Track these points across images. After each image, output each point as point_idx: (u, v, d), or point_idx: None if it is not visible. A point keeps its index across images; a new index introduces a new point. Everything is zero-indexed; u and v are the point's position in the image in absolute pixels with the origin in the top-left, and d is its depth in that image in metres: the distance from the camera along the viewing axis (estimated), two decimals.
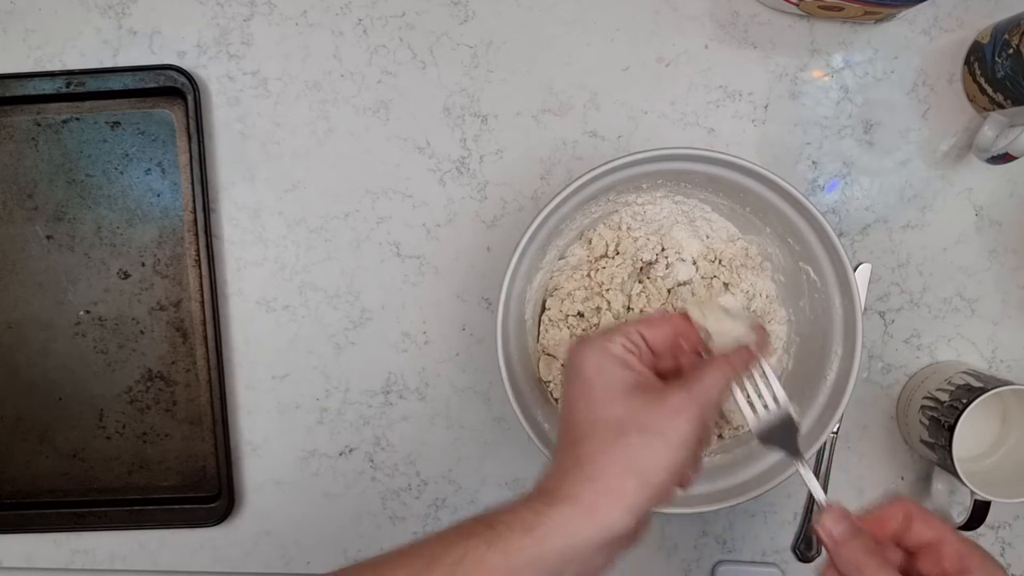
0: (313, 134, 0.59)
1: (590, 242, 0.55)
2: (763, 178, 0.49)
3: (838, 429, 0.59)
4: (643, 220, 0.54)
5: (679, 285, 0.55)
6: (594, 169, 0.48)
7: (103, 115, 0.59)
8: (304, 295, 0.60)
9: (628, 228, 0.55)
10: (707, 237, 0.55)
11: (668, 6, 0.58)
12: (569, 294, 0.54)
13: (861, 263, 0.58)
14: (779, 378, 0.55)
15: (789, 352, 0.55)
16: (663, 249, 0.55)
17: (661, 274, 0.55)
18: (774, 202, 0.50)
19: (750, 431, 0.54)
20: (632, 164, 0.48)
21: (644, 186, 0.52)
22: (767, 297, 0.55)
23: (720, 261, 0.55)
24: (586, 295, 0.54)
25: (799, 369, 0.54)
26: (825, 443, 0.58)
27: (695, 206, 0.54)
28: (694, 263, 0.55)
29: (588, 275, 0.55)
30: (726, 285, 0.55)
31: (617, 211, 0.54)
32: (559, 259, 0.55)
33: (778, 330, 0.55)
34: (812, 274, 0.51)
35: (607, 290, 0.54)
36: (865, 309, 0.59)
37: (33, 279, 0.60)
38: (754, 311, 0.55)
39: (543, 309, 0.55)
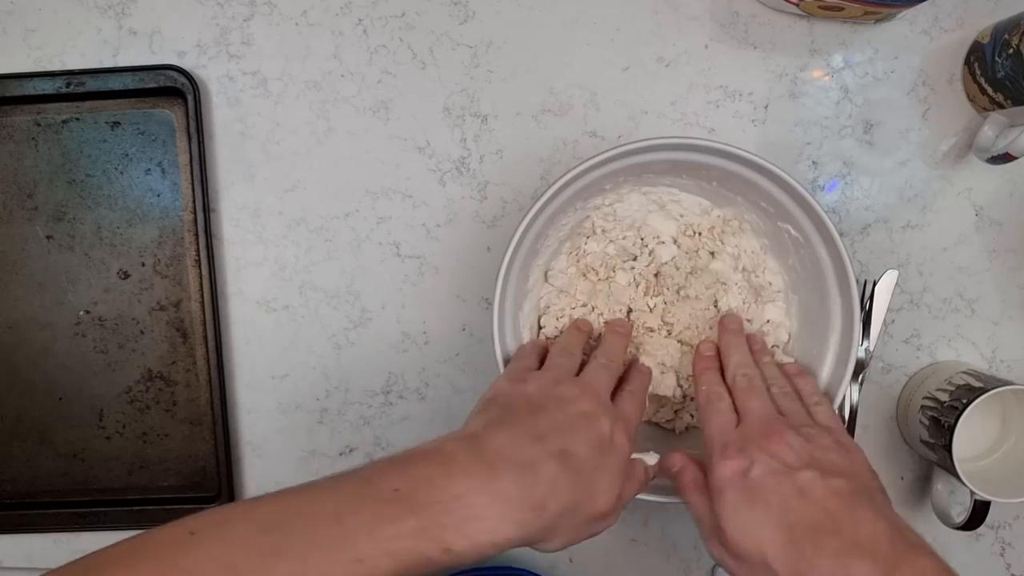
0: (313, 134, 0.59)
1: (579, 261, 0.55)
2: (719, 151, 0.49)
3: None
4: (615, 219, 0.54)
5: (663, 265, 0.55)
6: (554, 183, 0.48)
7: (103, 115, 0.59)
8: (304, 295, 0.60)
9: (603, 231, 0.54)
10: (680, 216, 0.55)
11: (668, 6, 0.58)
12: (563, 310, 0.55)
13: (888, 270, 0.57)
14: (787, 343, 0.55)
15: (790, 314, 0.55)
16: (642, 239, 0.55)
17: (645, 263, 0.55)
18: (735, 171, 0.50)
19: None
20: (591, 168, 0.48)
21: (608, 187, 0.52)
22: (754, 252, 0.55)
23: (699, 233, 0.55)
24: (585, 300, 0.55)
25: (804, 326, 0.54)
26: None
27: (663, 192, 0.54)
28: (674, 242, 0.55)
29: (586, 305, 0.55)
30: (712, 254, 0.55)
31: (589, 216, 0.54)
32: (546, 280, 0.55)
33: (774, 280, 0.55)
34: (793, 231, 0.51)
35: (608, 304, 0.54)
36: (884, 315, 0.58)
37: (33, 279, 0.60)
38: (743, 268, 0.55)
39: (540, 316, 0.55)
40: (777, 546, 0.38)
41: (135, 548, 0.34)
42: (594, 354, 0.49)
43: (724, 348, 0.52)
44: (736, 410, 0.46)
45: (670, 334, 0.55)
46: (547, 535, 0.39)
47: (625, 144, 0.48)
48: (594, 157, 0.48)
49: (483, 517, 0.36)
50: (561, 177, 0.48)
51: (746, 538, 0.40)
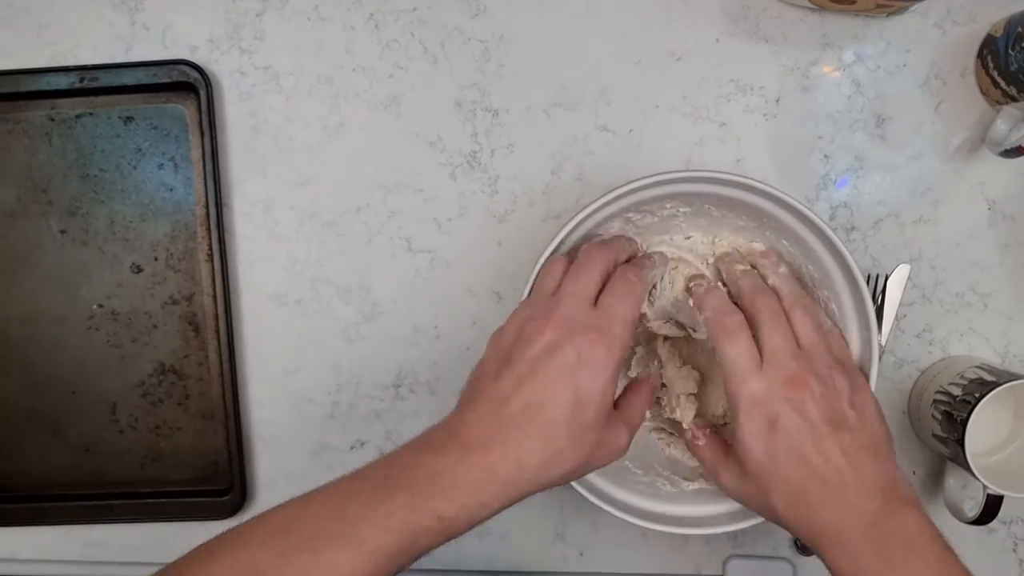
0: (325, 129, 0.60)
1: None
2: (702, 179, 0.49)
3: None
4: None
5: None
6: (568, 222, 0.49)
7: (116, 110, 0.60)
8: (316, 289, 0.60)
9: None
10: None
11: (679, 0, 0.58)
12: None
13: (900, 264, 0.57)
14: None
15: None
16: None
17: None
18: (724, 194, 0.50)
19: None
20: (597, 210, 0.49)
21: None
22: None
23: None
24: None
25: None
26: None
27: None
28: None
29: None
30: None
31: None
32: None
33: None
34: (791, 244, 0.51)
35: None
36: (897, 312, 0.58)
37: (47, 274, 0.61)
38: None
39: None
40: (787, 496, 0.44)
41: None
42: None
43: (731, 274, 0.50)
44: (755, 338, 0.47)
45: (684, 364, 0.55)
46: (547, 480, 0.42)
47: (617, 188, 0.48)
48: (601, 197, 0.49)
49: (465, 484, 0.40)
50: (565, 225, 0.49)
51: (771, 492, 0.45)
